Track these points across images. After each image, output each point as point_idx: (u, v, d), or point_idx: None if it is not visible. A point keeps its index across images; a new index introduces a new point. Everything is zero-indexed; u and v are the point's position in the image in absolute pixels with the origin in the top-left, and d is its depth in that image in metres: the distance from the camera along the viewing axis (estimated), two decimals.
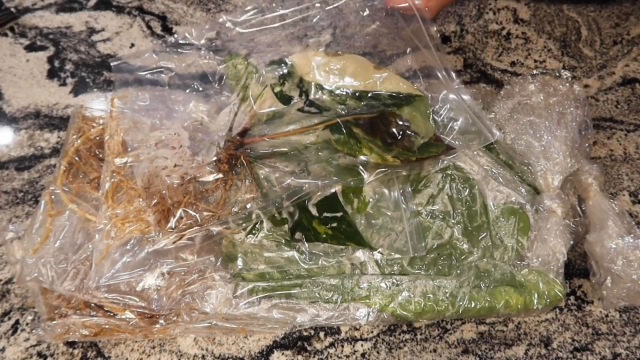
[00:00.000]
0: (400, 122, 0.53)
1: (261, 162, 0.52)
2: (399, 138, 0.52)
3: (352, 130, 0.51)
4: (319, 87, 0.56)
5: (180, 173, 0.50)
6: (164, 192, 0.48)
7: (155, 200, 0.48)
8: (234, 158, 0.51)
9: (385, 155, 0.50)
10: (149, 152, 0.51)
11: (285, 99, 0.55)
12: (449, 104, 0.55)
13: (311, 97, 0.55)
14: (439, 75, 0.55)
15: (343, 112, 0.53)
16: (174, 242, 0.47)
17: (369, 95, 0.56)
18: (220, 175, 0.50)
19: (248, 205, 0.49)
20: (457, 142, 0.53)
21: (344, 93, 0.56)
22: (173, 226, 0.47)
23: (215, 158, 0.50)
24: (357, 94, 0.56)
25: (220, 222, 0.49)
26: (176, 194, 0.49)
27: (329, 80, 0.56)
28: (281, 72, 0.56)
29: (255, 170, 0.52)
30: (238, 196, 0.50)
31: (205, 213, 0.49)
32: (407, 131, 0.53)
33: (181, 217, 0.48)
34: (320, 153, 0.52)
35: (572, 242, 0.51)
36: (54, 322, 0.47)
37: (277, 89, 0.55)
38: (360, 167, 0.51)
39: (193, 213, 0.48)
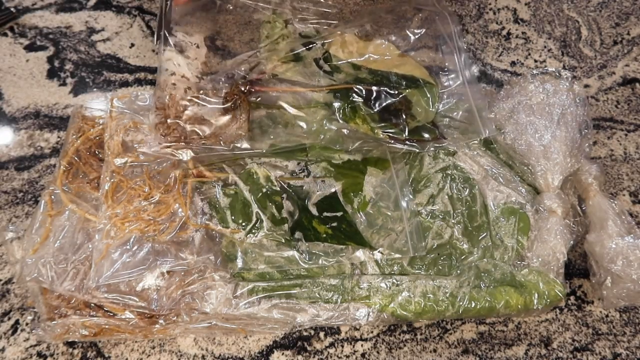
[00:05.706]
0: (402, 102, 0.54)
1: (266, 112, 0.55)
2: (396, 115, 0.54)
3: (353, 99, 0.53)
4: (338, 59, 0.58)
5: (185, 85, 0.53)
6: (167, 101, 0.51)
7: (158, 106, 0.51)
8: (239, 99, 0.53)
9: (376, 128, 0.52)
10: (169, 57, 0.54)
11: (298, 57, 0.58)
12: (456, 96, 0.57)
13: (325, 66, 0.58)
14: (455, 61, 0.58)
15: (351, 80, 0.55)
16: (161, 148, 0.50)
17: (381, 72, 0.57)
18: (219, 105, 0.53)
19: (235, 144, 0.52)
20: (450, 132, 0.55)
21: (359, 67, 0.58)
22: (164, 134, 0.51)
23: (224, 92, 0.53)
24: (369, 70, 0.57)
25: (203, 147, 0.51)
26: (176, 106, 0.52)
27: (350, 57, 0.58)
28: (310, 41, 0.59)
29: (253, 117, 0.54)
30: (228, 130, 0.52)
31: (195, 135, 0.51)
32: (406, 112, 0.54)
33: (174, 130, 0.51)
34: (317, 116, 0.54)
35: (572, 242, 0.51)
36: (54, 322, 0.47)
37: (297, 51, 0.58)
38: (348, 132, 0.53)
39: (187, 129, 0.51)
